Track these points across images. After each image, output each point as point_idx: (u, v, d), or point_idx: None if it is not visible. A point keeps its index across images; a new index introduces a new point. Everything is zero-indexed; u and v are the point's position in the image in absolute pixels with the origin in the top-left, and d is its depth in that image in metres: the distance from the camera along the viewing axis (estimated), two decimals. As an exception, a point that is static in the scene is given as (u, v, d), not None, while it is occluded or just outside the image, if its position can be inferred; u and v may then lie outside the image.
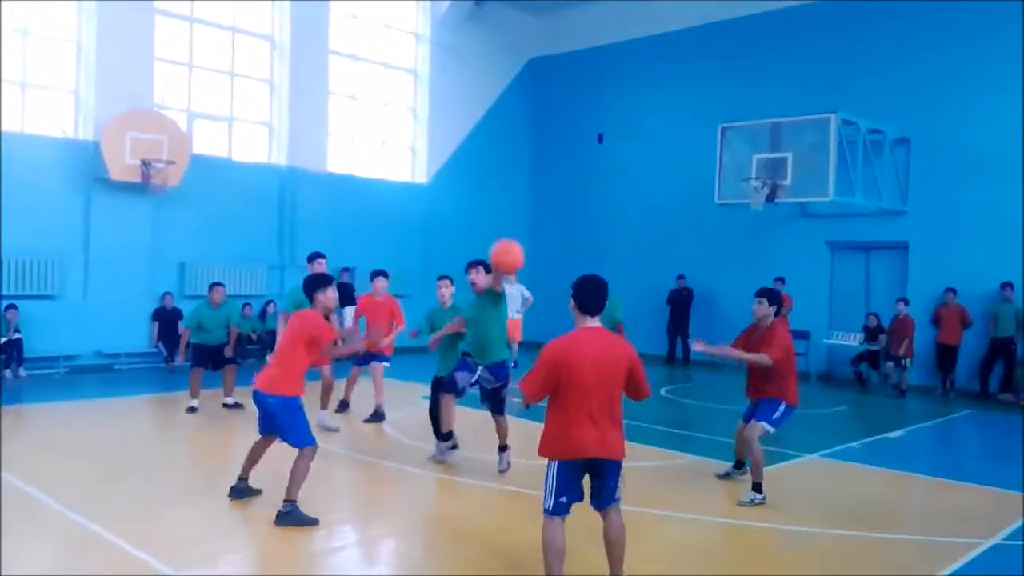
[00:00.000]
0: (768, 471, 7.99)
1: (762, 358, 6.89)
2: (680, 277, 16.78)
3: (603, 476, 4.52)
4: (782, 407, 6.96)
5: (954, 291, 13.58)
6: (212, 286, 10.44)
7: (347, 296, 16.33)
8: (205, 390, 10.29)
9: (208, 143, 15.25)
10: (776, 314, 7.19)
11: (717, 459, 8.18)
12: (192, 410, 10.01)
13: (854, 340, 14.37)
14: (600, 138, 19.10)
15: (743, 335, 7.37)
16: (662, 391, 13.07)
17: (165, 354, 13.89)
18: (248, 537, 5.89)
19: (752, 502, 6.75)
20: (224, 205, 14.91)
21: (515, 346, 15.18)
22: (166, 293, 14.13)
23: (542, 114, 20.30)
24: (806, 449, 9.07)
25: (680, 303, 16.77)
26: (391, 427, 9.54)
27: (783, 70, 15.83)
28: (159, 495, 6.67)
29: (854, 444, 9.45)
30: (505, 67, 19.88)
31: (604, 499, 4.56)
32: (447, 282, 8.70)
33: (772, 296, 7.23)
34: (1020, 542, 6.06)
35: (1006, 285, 13.21)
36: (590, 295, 4.54)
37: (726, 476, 7.62)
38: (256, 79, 15.91)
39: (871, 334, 14.01)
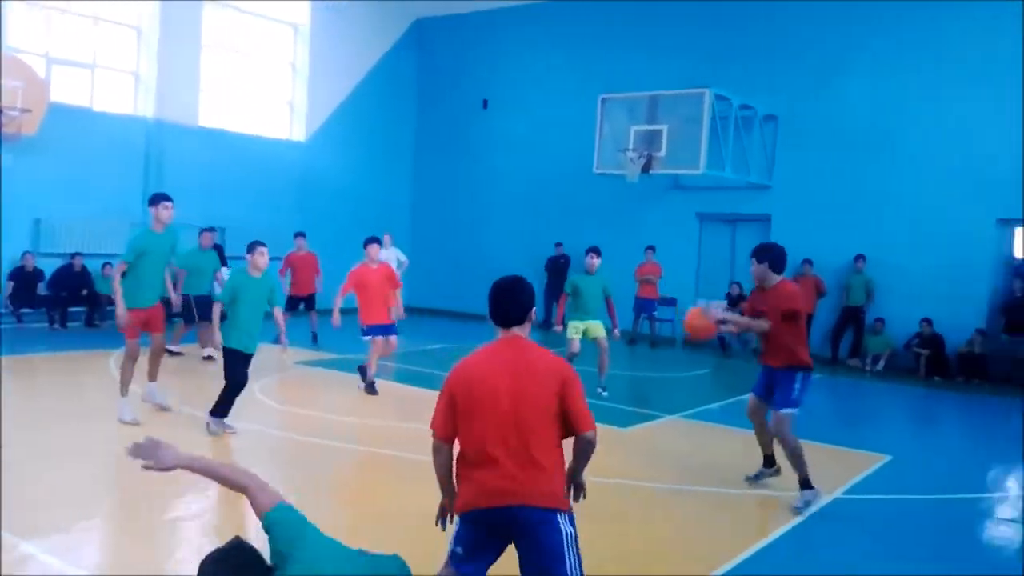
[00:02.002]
0: (630, 431, 8.36)
1: (760, 324, 6.16)
2: (558, 244, 17.08)
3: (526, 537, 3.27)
4: (798, 378, 6.16)
5: (810, 262, 14.38)
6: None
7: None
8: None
9: (68, 91, 14.34)
10: (778, 271, 6.24)
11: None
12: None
13: (718, 307, 15.03)
14: (485, 104, 19.09)
15: (750, 301, 6.51)
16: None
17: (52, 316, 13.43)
18: (113, 501, 5.71)
19: (807, 504, 6.02)
20: (85, 158, 14.08)
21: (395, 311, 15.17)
22: (27, 252, 13.32)
23: (427, 76, 20.08)
24: (667, 410, 9.51)
25: (557, 270, 17.06)
26: (262, 393, 9.37)
27: (663, 43, 16.19)
28: (17, 460, 6.35)
29: (712, 406, 9.97)
30: (390, 26, 19.49)
31: None
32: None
33: (763, 252, 6.25)
34: (860, 496, 6.58)
35: (859, 257, 14.11)
36: (491, 303, 3.55)
37: (756, 479, 6.70)
38: (122, 24, 15.02)
39: (733, 301, 14.67)
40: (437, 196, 19.78)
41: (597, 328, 9.84)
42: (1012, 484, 7.50)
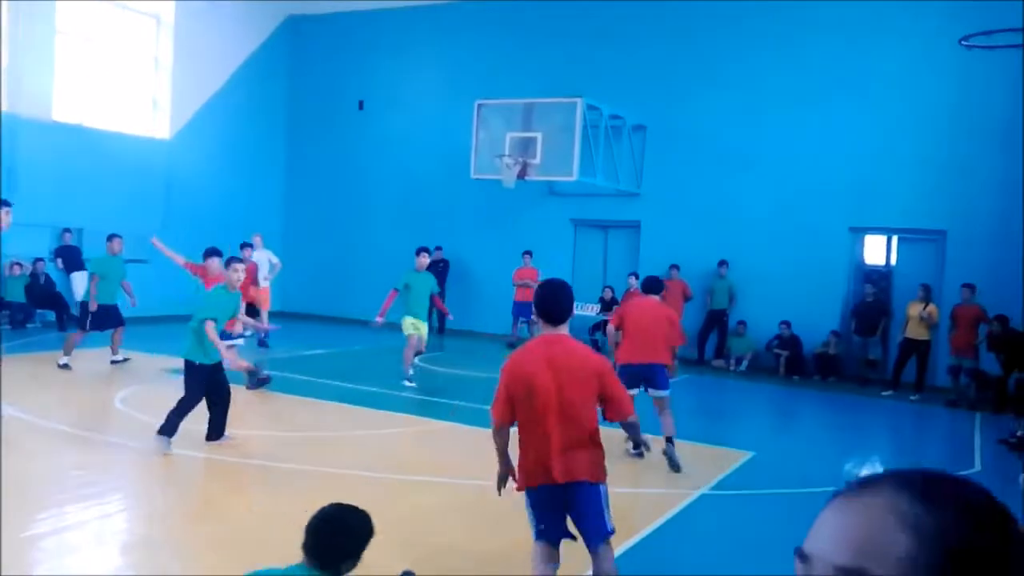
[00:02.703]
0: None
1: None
2: (437, 248, 17.02)
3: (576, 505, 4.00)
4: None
5: (677, 267, 14.93)
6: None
7: (74, 260, 14.96)
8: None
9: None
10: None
11: (466, 424, 8.48)
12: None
13: (591, 311, 15.41)
14: (361, 105, 18.81)
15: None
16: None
17: None
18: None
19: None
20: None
21: (264, 315, 14.81)
22: None
23: (300, 75, 19.61)
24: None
25: (436, 274, 16.99)
26: (123, 403, 8.90)
27: (536, 52, 16.45)
28: None
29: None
30: (260, 21, 18.90)
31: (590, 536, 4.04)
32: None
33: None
34: (726, 492, 6.88)
35: (721, 263, 14.78)
36: (539, 303, 4.07)
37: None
38: (-37, 9, 13.95)
39: (606, 305, 15.10)
40: (311, 197, 19.34)
41: (424, 326, 10.98)
42: (866, 475, 8.02)
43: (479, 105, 14.80)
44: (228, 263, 7.74)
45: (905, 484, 0.80)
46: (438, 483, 6.66)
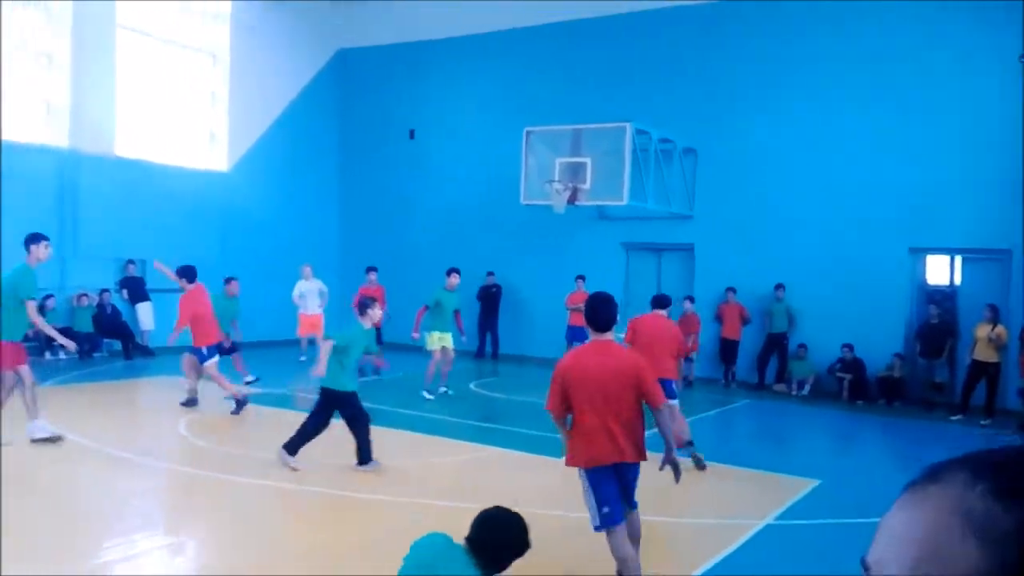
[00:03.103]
0: (554, 459, 8.37)
1: None
2: (490, 274, 17.08)
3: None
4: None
5: (734, 290, 14.73)
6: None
7: (138, 291, 15.34)
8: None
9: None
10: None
11: (521, 451, 8.40)
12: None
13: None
14: (412, 134, 19.04)
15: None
16: (471, 385, 13.28)
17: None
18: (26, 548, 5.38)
19: None
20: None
21: (319, 340, 15.32)
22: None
23: (351, 107, 19.94)
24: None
25: (489, 299, 17.07)
26: (187, 429, 9.03)
27: (585, 78, 16.50)
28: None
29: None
30: (312, 56, 19.31)
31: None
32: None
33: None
34: (792, 521, 6.68)
35: (779, 286, 14.51)
36: (589, 312, 4.85)
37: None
38: (30, 51, 14.46)
39: (662, 330, 14.92)
40: (364, 226, 19.57)
41: (449, 338, 11.79)
42: (942, 462, 7.72)
43: (528, 132, 14.85)
44: (363, 306, 7.84)
45: (982, 473, 0.65)
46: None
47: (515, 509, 3.44)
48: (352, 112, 19.91)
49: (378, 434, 9.24)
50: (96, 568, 5.14)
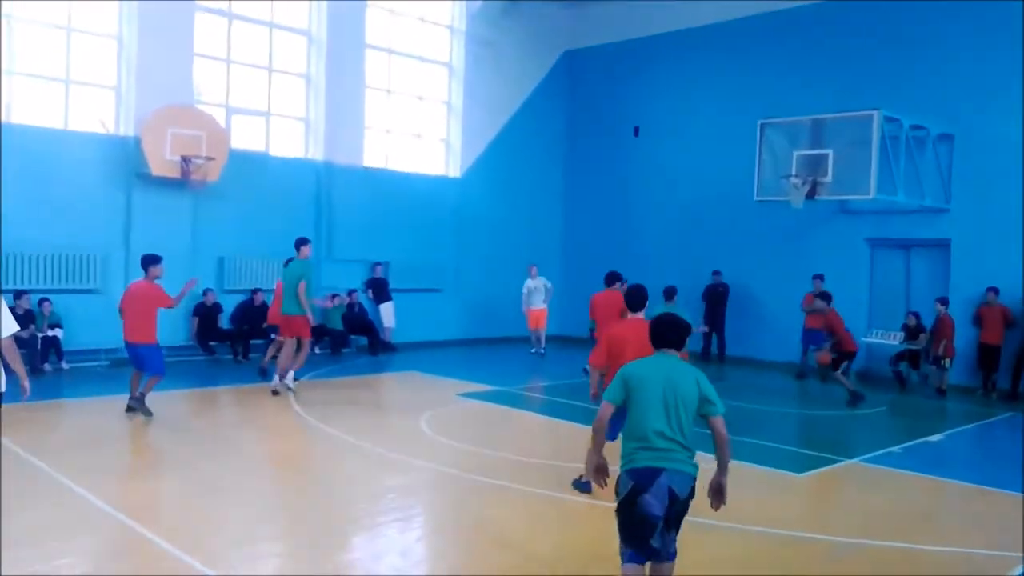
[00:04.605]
0: (807, 477, 7.97)
1: None
2: (716, 273, 16.61)
3: None
4: None
5: (996, 290, 13.30)
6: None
7: (382, 291, 16.50)
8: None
9: (246, 138, 15.38)
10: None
11: (757, 464, 8.09)
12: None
13: (894, 339, 14.16)
14: (636, 131, 18.94)
15: None
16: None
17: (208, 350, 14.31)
18: (288, 539, 5.95)
19: None
20: (262, 200, 15.02)
21: (542, 335, 17.14)
22: (207, 289, 14.28)
23: (577, 107, 20.17)
24: (844, 453, 8.98)
25: (715, 299, 16.61)
26: (427, 426, 9.58)
27: (823, 65, 15.56)
28: (199, 492, 6.76)
29: (894, 448, 9.30)
30: (540, 60, 19.77)
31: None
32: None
33: None
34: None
35: (1051, 285, 12.93)
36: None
37: None
38: (293, 74, 15.99)
39: (911, 333, 13.78)
40: (589, 226, 19.73)
41: None
42: None
43: (762, 125, 14.26)
44: None
45: None
46: (732, 530, 6.38)
47: None
48: (578, 112, 20.14)
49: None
50: (344, 564, 5.56)
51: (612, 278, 9.59)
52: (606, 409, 4.37)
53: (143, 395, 9.44)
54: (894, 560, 5.82)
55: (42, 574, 4.88)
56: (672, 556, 4.43)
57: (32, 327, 12.29)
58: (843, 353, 12.34)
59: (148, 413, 9.32)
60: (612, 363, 6.30)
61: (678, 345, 4.48)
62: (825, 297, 12.65)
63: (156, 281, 9.59)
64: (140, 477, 7.12)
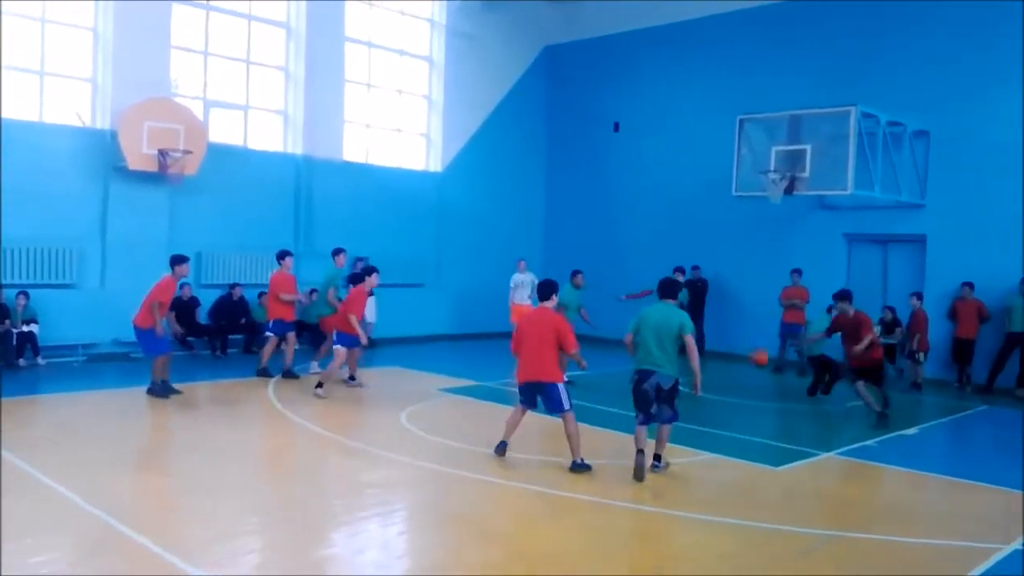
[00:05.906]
0: (783, 471, 8.05)
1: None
2: (695, 267, 16.71)
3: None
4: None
5: (971, 285, 13.48)
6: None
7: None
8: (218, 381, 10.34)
9: (224, 132, 15.26)
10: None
11: (735, 458, 8.16)
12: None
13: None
14: (616, 127, 19.00)
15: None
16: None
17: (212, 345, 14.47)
18: (270, 534, 5.94)
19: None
20: (240, 194, 14.94)
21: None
22: (183, 283, 14.15)
23: (557, 102, 20.20)
24: (821, 446, 9.08)
25: (695, 293, 16.69)
26: (409, 421, 9.57)
27: (802, 62, 15.69)
28: (179, 489, 6.73)
29: (869, 442, 9.42)
30: (521, 55, 19.77)
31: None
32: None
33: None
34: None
35: (1023, 280, 13.11)
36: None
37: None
38: (271, 67, 15.89)
39: (888, 327, 13.91)
40: (570, 221, 19.79)
41: None
42: None
43: (741, 120, 14.35)
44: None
45: None
46: (710, 523, 6.45)
47: None
48: (558, 108, 20.16)
49: (585, 433, 9.33)
50: (321, 560, 5.55)
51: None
52: (628, 337, 7.61)
53: (163, 380, 10.45)
54: (870, 551, 5.90)
55: (17, 573, 4.82)
56: (666, 420, 7.50)
57: (7, 322, 12.15)
58: (873, 362, 10.42)
59: (168, 393, 10.43)
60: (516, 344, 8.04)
61: (672, 297, 7.64)
62: (845, 297, 10.63)
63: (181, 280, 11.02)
64: (118, 473, 7.06)
